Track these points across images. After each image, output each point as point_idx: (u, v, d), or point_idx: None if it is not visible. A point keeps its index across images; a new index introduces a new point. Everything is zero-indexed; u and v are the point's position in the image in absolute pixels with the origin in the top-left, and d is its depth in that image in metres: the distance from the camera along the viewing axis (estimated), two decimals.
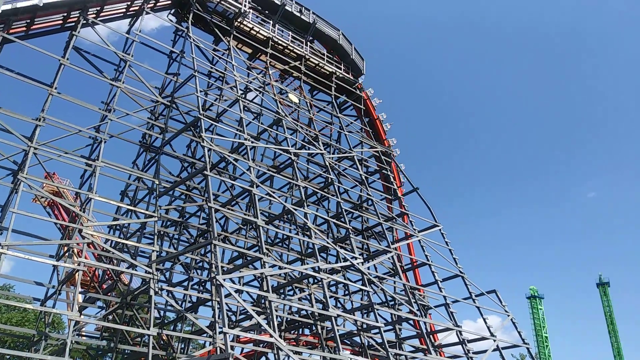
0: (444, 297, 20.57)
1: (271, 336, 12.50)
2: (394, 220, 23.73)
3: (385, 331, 16.65)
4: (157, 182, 17.57)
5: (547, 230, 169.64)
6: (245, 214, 21.01)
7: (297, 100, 25.35)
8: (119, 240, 16.62)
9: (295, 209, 17.72)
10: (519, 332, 21.47)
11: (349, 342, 22.60)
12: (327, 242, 18.35)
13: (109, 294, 19.19)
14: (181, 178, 20.78)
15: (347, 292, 22.84)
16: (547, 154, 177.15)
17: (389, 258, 20.76)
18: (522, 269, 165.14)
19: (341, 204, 20.67)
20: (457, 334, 19.46)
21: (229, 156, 18.08)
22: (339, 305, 22.98)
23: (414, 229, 23.43)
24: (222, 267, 17.25)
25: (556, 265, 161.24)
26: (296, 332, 22.22)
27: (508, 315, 21.45)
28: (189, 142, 22.21)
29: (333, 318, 14.85)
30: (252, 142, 19.48)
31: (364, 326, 19.22)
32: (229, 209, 19.78)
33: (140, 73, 18.99)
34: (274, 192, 19.78)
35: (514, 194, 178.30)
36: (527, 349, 21.64)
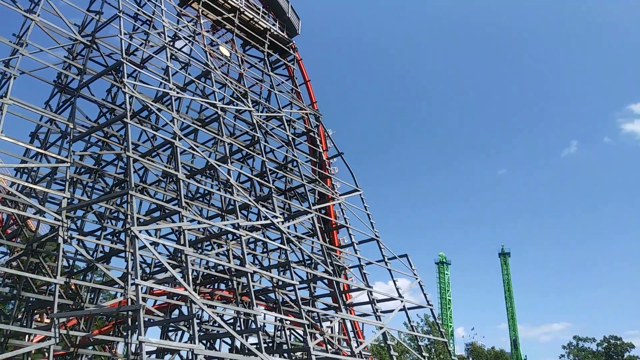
0: (359, 259, 21.39)
1: (185, 289, 12.50)
2: (317, 182, 24.09)
3: (300, 289, 17.10)
4: (72, 126, 16.63)
5: (459, 203, 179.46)
6: (165, 166, 20.48)
7: (227, 54, 24.64)
8: (26, 184, 15.66)
9: (219, 165, 17.51)
10: (424, 295, 22.92)
11: (263, 298, 23.06)
12: (249, 200, 18.36)
13: (14, 240, 18.19)
14: (99, 124, 19.78)
15: (265, 250, 23.13)
16: (466, 132, 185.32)
17: (309, 219, 21.17)
18: (433, 237, 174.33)
19: (266, 163, 20.66)
20: (368, 294, 20.39)
21: (152, 105, 17.40)
22: (256, 262, 23.27)
23: (336, 192, 23.95)
24: (138, 218, 16.84)
25: (465, 235, 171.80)
26: (211, 287, 22.31)
27: (416, 279, 22.75)
28: (109, 86, 21.07)
29: (249, 274, 15.05)
30: (178, 93, 18.84)
31: (280, 283, 19.65)
32: (148, 159, 19.17)
33: (59, 7, 17.62)
34: (197, 146, 19.34)
35: (431, 169, 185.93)
36: (431, 310, 23.21)
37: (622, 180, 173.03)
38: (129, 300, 15.75)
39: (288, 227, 19.66)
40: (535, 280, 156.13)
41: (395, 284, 21.63)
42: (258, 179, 21.24)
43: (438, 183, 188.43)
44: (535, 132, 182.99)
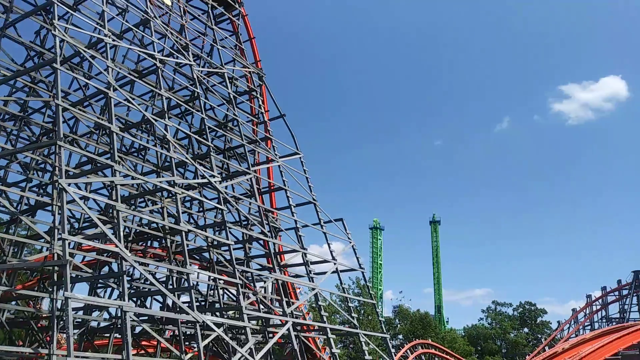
0: (295, 221, 21.56)
1: (116, 246, 12.17)
2: (257, 143, 23.82)
3: (235, 249, 17.10)
4: None
5: (396, 171, 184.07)
6: (98, 118, 19.52)
7: (169, 3, 23.48)
8: None
9: (156, 120, 16.90)
10: (357, 258, 23.55)
11: (197, 257, 22.91)
12: (186, 158, 17.93)
13: None
14: (25, 68, 18.47)
15: (201, 209, 22.83)
16: (407, 103, 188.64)
17: (247, 179, 21.01)
18: (369, 203, 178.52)
19: (205, 121, 20.13)
20: (302, 256, 20.70)
21: (84, 51, 16.39)
22: (191, 221, 22.95)
23: (276, 154, 23.82)
24: (67, 170, 16.07)
25: (400, 203, 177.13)
26: (144, 245, 21.86)
27: (350, 243, 23.30)
28: (38, 28, 19.60)
29: (184, 233, 14.84)
30: (114, 41, 17.83)
31: (215, 243, 19.53)
32: (79, 109, 18.16)
33: None
34: (133, 99, 18.49)
35: (372, 137, 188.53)
36: (362, 273, 23.97)
37: (548, 157, 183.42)
38: (55, 255, 15.17)
39: (226, 187, 19.44)
40: (462, 248, 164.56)
41: (329, 247, 22.07)
42: (196, 137, 20.70)
43: (377, 151, 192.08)
44: (471, 107, 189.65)
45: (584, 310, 65.53)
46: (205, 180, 17.75)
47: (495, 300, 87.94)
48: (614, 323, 57.33)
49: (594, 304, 65.80)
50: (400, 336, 74.32)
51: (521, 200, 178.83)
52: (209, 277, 21.14)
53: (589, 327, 61.30)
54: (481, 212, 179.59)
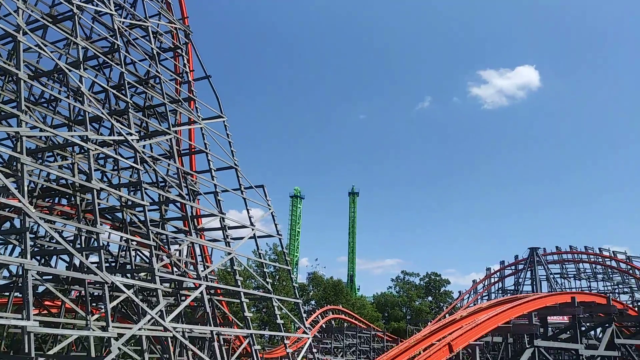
0: (215, 185, 21.32)
1: (19, 201, 11.50)
2: (179, 103, 23.07)
3: (150, 210, 16.70)
4: None
5: (321, 142, 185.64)
6: (4, 62, 18.01)
7: None
8: None
9: (70, 70, 15.88)
10: (275, 225, 23.79)
11: (110, 217, 22.11)
12: (102, 113, 17.05)
13: None
14: None
15: (116, 168, 21.92)
16: (336, 76, 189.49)
17: (167, 140, 20.40)
18: (292, 172, 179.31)
19: (125, 75, 19.18)
20: (220, 221, 20.60)
21: None
22: (105, 179, 22.05)
23: (198, 116, 23.24)
24: None
25: (322, 173, 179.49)
26: (51, 201, 20.76)
27: (269, 209, 23.46)
28: None
29: (95, 191, 14.25)
30: None
31: (129, 203, 18.94)
32: None
33: None
34: (45, 45, 17.20)
35: (300, 107, 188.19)
36: (280, 240, 24.27)
37: (464, 137, 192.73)
38: None
39: (143, 147, 18.79)
40: (377, 219, 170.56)
41: (248, 213, 22.09)
42: (114, 91, 19.67)
43: (303, 121, 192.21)
44: (396, 86, 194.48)
45: (483, 282, 70.60)
46: (121, 138, 17.04)
47: (404, 270, 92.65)
48: (509, 294, 62.28)
49: (492, 276, 70.98)
50: (313, 302, 76.51)
51: (435, 177, 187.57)
52: (121, 237, 20.55)
53: (487, 298, 66.15)
54: (397, 186, 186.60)
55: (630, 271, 62.85)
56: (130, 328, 13.44)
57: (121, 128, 17.20)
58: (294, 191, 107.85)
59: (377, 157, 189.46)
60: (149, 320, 13.78)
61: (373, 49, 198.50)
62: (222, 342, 20.51)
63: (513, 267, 71.05)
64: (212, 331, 16.39)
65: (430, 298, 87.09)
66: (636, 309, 35.06)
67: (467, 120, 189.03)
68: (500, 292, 68.87)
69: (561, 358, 32.42)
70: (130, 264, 18.09)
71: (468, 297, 68.79)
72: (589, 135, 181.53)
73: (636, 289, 62.97)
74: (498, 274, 71.07)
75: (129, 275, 17.32)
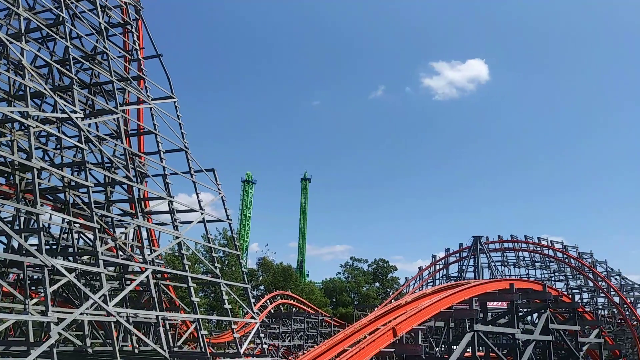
0: (164, 167, 20.82)
1: None
2: (128, 81, 22.31)
3: (94, 192, 16.17)
4: None
5: (274, 128, 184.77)
6: None
7: None
8: None
9: (10, 42, 15.03)
10: (225, 210, 23.54)
11: (51, 198, 21.25)
12: (44, 88, 16.27)
13: None
14: None
15: (58, 147, 21.00)
16: (287, 61, 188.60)
17: (114, 119, 19.72)
18: (245, 157, 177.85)
19: (70, 50, 18.33)
20: (168, 204, 20.18)
21: None
22: (47, 158, 21.11)
23: (148, 96, 22.55)
24: None
25: (275, 158, 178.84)
26: None
27: (220, 193, 23.17)
28: None
29: (35, 170, 13.64)
30: None
31: (72, 183, 18.25)
32: None
33: None
34: None
35: (253, 92, 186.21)
36: (229, 224, 24.05)
37: (415, 126, 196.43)
38: None
39: (89, 125, 18.09)
40: (328, 205, 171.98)
41: (198, 197, 21.74)
42: (58, 66, 18.78)
43: (257, 105, 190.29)
44: (351, 74, 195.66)
45: (429, 269, 72.65)
46: (65, 115, 16.33)
47: (353, 257, 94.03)
48: (453, 281, 64.40)
49: (438, 263, 73.15)
50: (262, 287, 76.55)
51: (386, 165, 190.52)
52: (63, 219, 19.82)
53: (432, 284, 68.17)
54: (349, 173, 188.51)
55: (566, 260, 66.26)
56: (71, 313, 13.04)
57: (65, 105, 16.48)
58: (245, 176, 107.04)
59: (330, 144, 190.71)
60: (91, 305, 13.42)
61: (330, 38, 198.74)
62: (168, 327, 20.23)
63: (457, 255, 73.44)
64: (157, 316, 16.13)
65: (377, 284, 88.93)
66: (570, 296, 37.08)
67: (418, 109, 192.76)
68: (444, 278, 71.10)
69: (499, 342, 33.93)
70: (73, 246, 17.49)
71: (414, 284, 70.65)
72: (534, 128, 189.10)
73: (571, 277, 66.51)
74: (443, 261, 73.30)
75: (71, 258, 16.75)
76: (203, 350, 17.19)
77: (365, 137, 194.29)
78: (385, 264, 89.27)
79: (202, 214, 20.97)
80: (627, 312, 54.74)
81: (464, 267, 70.79)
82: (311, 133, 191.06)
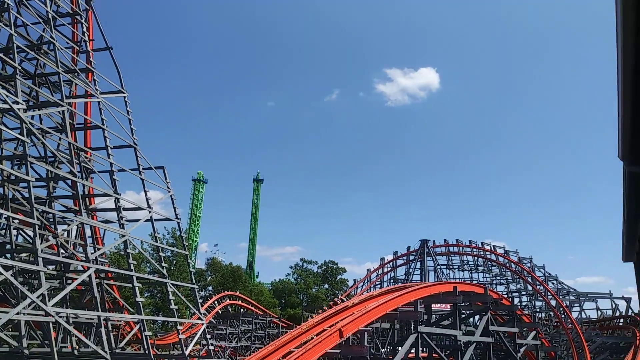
0: (111, 164, 20.29)
1: None
2: (75, 73, 21.58)
3: (35, 187, 15.56)
4: None
5: (227, 127, 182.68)
6: None
7: None
8: None
9: None
10: (174, 208, 23.18)
11: None
12: None
13: None
14: None
15: None
16: (243, 59, 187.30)
17: (59, 112, 19.04)
18: (196, 155, 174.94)
19: (14, 38, 17.59)
20: (115, 201, 19.67)
21: None
22: None
23: (96, 89, 21.91)
24: None
25: (228, 158, 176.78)
26: None
27: (169, 192, 22.78)
28: None
29: None
30: None
31: (12, 177, 17.50)
32: None
33: None
34: None
35: (207, 92, 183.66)
36: (178, 224, 23.69)
37: (367, 131, 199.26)
38: None
39: (32, 117, 17.41)
40: (280, 206, 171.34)
41: (146, 195, 21.30)
42: (1, 55, 18.01)
43: (211, 103, 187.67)
44: (308, 76, 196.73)
45: (377, 271, 73.75)
46: (6, 106, 15.65)
47: (303, 258, 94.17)
48: (400, 283, 65.65)
49: (386, 265, 74.37)
50: (211, 288, 75.50)
51: (338, 167, 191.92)
52: (1, 215, 18.95)
53: (380, 286, 69.19)
54: (301, 174, 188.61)
55: (507, 264, 68.88)
56: (7, 312, 12.50)
57: (7, 96, 15.80)
58: (197, 175, 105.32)
59: (283, 145, 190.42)
60: (29, 304, 12.92)
61: (287, 39, 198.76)
62: (110, 328, 19.68)
63: (405, 258, 74.89)
64: (99, 317, 15.69)
65: (326, 285, 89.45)
66: (510, 299, 38.58)
67: (370, 113, 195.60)
68: (392, 281, 72.33)
69: (443, 343, 34.84)
70: (11, 243, 16.73)
71: (362, 285, 71.53)
72: (480, 136, 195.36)
73: (511, 280, 69.16)
74: (391, 263, 74.57)
75: (8, 255, 16.05)
76: (147, 351, 16.85)
77: (319, 139, 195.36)
78: (334, 266, 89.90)
79: (149, 212, 20.56)
80: (563, 315, 57.37)
81: (411, 270, 72.24)
82: (265, 134, 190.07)
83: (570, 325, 53.64)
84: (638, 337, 46.46)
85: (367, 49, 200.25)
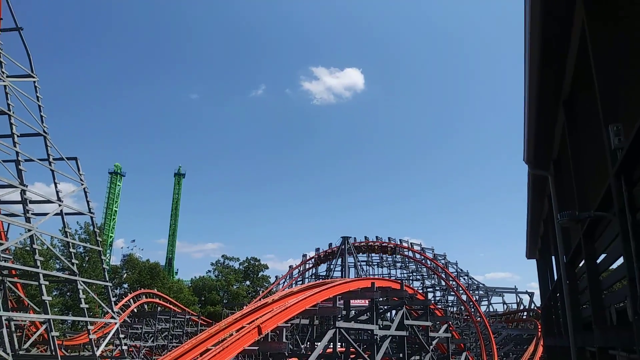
0: (17, 153, 18.99)
1: None
2: None
3: None
4: None
5: (148, 119, 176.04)
6: None
7: None
8: None
9: None
10: (88, 202, 22.11)
11: None
12: None
13: None
14: None
15: None
16: (165, 48, 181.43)
17: None
18: (113, 147, 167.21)
19: None
20: (20, 193, 18.44)
21: None
22: None
23: (3, 72, 20.40)
24: None
25: (148, 151, 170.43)
26: None
27: (82, 184, 21.69)
28: None
29: None
30: None
31: None
32: None
33: None
34: None
35: (131, 81, 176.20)
36: (92, 218, 22.62)
37: (292, 127, 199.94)
38: None
39: None
40: (201, 202, 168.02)
41: (56, 187, 20.16)
42: None
43: (130, 92, 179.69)
44: (234, 70, 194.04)
45: (299, 267, 74.28)
46: None
47: (224, 255, 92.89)
48: (321, 279, 66.45)
49: (308, 262, 75.08)
50: (126, 285, 72.64)
51: (262, 163, 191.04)
52: None
53: (301, 282, 69.69)
54: (224, 169, 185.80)
55: (423, 261, 71.84)
56: None
57: None
58: (114, 167, 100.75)
59: (206, 139, 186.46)
60: None
61: (216, 33, 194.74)
62: (13, 329, 18.45)
63: (325, 254, 75.92)
64: (1, 316, 14.68)
65: (248, 282, 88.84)
66: (424, 294, 40.34)
67: (295, 110, 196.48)
68: (313, 277, 73.14)
69: (361, 337, 35.77)
70: None
71: (284, 282, 71.76)
72: (402, 137, 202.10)
73: (426, 276, 72.23)
74: (313, 260, 75.37)
75: None
76: (54, 353, 15.98)
77: (243, 135, 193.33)
78: (256, 262, 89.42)
79: (60, 205, 19.48)
80: (473, 309, 60.78)
81: (332, 266, 73.39)
82: (188, 127, 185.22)
83: (479, 319, 56.88)
84: (539, 330, 50.12)
85: (294, 46, 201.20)
